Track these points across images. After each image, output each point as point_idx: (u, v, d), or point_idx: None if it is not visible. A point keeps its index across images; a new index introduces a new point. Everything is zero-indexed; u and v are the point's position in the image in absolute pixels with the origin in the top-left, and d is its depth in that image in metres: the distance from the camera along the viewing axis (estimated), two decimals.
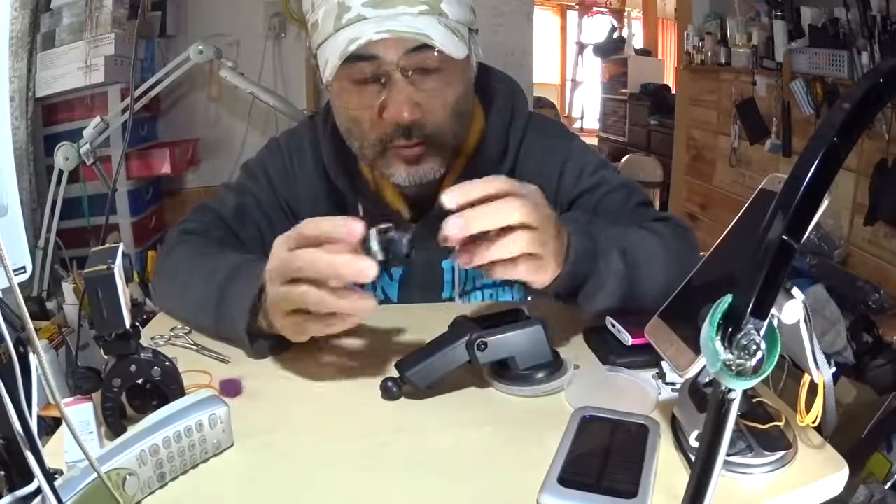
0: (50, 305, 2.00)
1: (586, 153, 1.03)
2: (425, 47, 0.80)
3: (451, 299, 1.00)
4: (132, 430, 0.56)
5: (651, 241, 0.82)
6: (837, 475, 0.57)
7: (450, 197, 0.64)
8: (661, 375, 0.72)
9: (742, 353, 0.39)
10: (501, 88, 1.00)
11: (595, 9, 6.82)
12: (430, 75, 0.83)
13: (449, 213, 0.96)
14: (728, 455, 0.52)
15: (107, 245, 0.61)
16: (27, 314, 0.37)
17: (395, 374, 0.71)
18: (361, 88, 0.84)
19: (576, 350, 0.79)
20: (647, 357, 0.73)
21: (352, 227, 0.63)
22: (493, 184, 0.65)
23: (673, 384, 0.70)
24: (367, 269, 0.62)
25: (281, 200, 1.02)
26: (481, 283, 1.00)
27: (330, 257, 0.63)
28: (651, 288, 0.77)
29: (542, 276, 0.70)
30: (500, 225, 0.64)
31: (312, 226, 0.66)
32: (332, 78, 0.83)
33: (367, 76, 0.83)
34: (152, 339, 0.84)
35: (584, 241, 0.74)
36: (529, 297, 1.01)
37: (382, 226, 0.64)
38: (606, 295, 0.76)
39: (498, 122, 0.97)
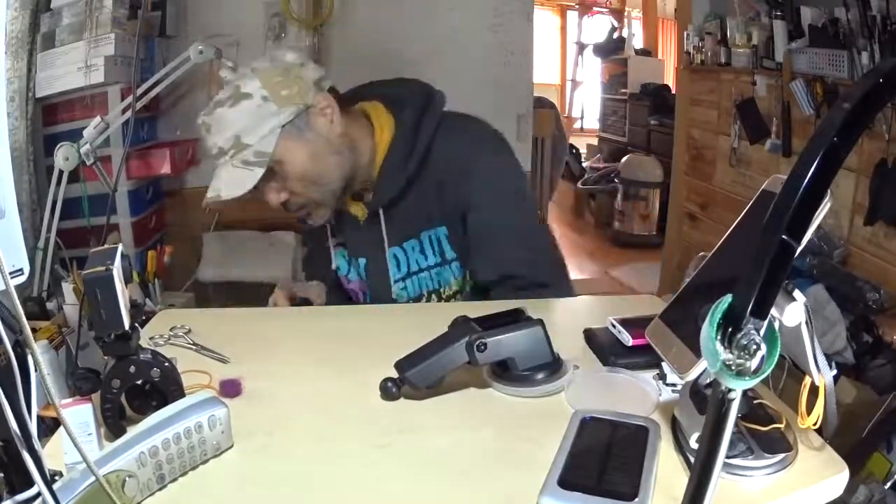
0: (50, 305, 1.99)
1: (495, 174, 1.08)
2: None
3: (400, 280, 1.08)
4: (132, 432, 0.56)
5: None
6: (838, 477, 0.57)
7: None
8: (662, 376, 0.72)
9: (742, 353, 0.39)
10: (411, 94, 1.07)
11: (595, 9, 6.80)
12: (287, 178, 0.98)
13: (411, 203, 1.04)
14: (728, 457, 0.52)
15: (106, 246, 0.61)
16: (24, 317, 0.37)
17: (394, 374, 0.71)
18: None
19: (576, 351, 0.79)
20: (647, 358, 0.73)
21: None
22: None
23: (673, 385, 0.70)
24: None
25: None
26: (418, 267, 1.08)
27: None
28: None
29: None
30: None
31: None
32: None
33: None
34: (151, 338, 0.84)
35: None
36: (467, 273, 1.08)
37: None
38: None
39: (402, 128, 1.04)
